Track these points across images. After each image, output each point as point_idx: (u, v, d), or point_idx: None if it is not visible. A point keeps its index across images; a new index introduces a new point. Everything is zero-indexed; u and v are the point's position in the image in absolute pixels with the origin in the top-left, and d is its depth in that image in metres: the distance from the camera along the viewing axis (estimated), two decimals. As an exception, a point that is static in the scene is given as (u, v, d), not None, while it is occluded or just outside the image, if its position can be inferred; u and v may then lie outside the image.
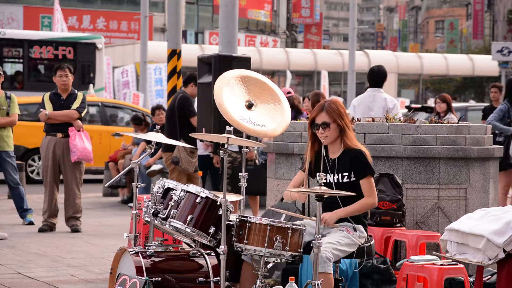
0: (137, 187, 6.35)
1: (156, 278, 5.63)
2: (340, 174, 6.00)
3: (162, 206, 5.90)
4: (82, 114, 10.83)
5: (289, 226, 5.56)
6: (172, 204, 5.88)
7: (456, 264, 6.30)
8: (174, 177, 10.74)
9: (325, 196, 5.31)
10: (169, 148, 10.89)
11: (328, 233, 5.91)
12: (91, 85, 21.58)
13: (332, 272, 5.67)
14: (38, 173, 17.38)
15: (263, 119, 6.22)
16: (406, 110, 20.16)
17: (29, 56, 23.45)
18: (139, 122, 14.68)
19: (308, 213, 7.41)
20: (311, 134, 6.13)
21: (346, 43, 75.25)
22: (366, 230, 6.06)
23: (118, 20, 46.63)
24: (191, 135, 6.45)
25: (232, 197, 6.40)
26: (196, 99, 11.05)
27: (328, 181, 5.94)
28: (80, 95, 10.87)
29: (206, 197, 5.85)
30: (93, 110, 18.09)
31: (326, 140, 6.01)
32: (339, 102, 6.17)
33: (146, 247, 5.88)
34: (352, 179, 5.99)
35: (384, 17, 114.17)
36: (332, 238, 5.83)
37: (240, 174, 6.21)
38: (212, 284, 5.75)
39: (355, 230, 5.96)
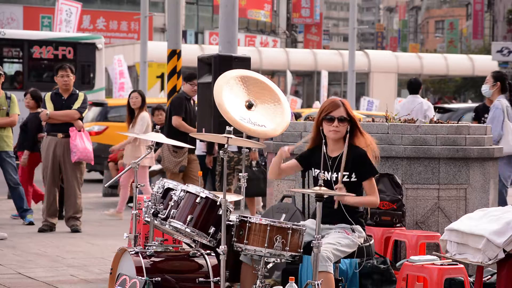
0: (137, 187, 6.35)
1: (156, 278, 5.63)
2: (340, 174, 6.00)
3: (162, 206, 5.91)
4: (83, 114, 10.84)
5: (289, 226, 5.56)
6: (172, 204, 5.88)
7: (456, 264, 6.30)
8: (168, 176, 10.76)
9: (325, 196, 5.32)
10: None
11: (327, 234, 5.90)
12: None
13: (332, 272, 5.67)
14: None
15: (263, 119, 6.22)
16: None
17: (29, 56, 23.45)
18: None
19: (308, 213, 7.42)
20: (316, 132, 6.13)
21: (346, 43, 75.24)
22: (364, 230, 6.07)
23: (118, 20, 46.64)
24: (192, 135, 6.45)
25: (232, 197, 6.40)
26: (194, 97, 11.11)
27: (326, 178, 5.93)
28: (81, 95, 10.88)
29: (206, 197, 5.85)
30: None
31: (336, 135, 6.01)
32: None
33: (146, 247, 5.88)
34: (353, 179, 5.99)
35: (384, 17, 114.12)
36: (332, 239, 5.83)
37: (240, 174, 6.21)
38: (212, 284, 5.75)
39: (353, 231, 5.96)
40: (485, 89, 10.26)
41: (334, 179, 6.00)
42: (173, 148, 10.64)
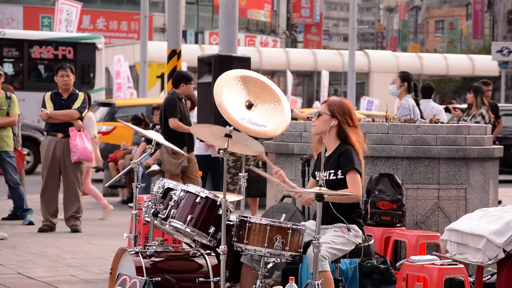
0: (137, 187, 6.35)
1: (156, 278, 5.63)
2: (328, 171, 6.01)
3: (162, 206, 5.91)
4: (83, 114, 10.84)
5: (289, 226, 5.56)
6: (172, 204, 5.88)
7: (456, 264, 6.30)
8: (167, 177, 10.74)
9: (325, 196, 5.32)
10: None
11: (323, 234, 5.90)
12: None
13: (329, 270, 5.67)
14: None
15: (263, 119, 6.21)
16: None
17: (29, 56, 23.46)
18: (139, 122, 14.66)
19: (308, 214, 7.42)
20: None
21: (346, 43, 75.24)
22: (361, 229, 6.05)
23: (118, 20, 46.65)
24: (192, 131, 6.45)
25: (232, 197, 6.40)
26: (188, 97, 11.05)
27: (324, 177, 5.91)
28: (81, 95, 10.87)
29: (206, 197, 5.85)
30: None
31: (313, 129, 6.12)
32: (347, 102, 6.18)
33: (146, 247, 5.88)
34: (339, 176, 5.98)
35: (384, 17, 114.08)
36: (327, 238, 5.83)
37: (240, 174, 6.21)
38: (212, 284, 5.75)
39: (349, 230, 5.95)
40: (393, 89, 10.52)
41: (325, 178, 5.99)
42: (171, 150, 10.61)
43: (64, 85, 10.77)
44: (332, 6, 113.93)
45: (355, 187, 5.93)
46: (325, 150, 6.10)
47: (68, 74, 10.74)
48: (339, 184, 5.92)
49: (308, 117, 8.68)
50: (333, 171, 6.00)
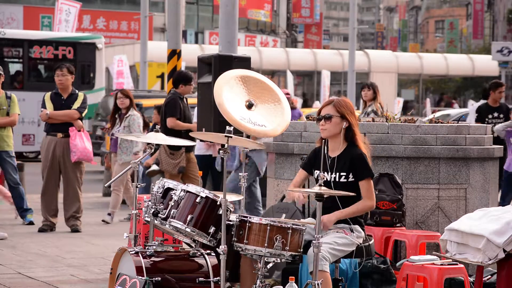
0: (137, 187, 6.35)
1: (156, 278, 5.63)
2: (337, 174, 5.99)
3: (162, 206, 5.91)
4: (83, 114, 10.83)
5: (289, 226, 5.56)
6: (172, 204, 5.88)
7: (456, 264, 6.30)
8: (167, 177, 10.72)
9: (325, 196, 5.32)
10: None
11: (326, 234, 5.90)
12: None
13: (328, 271, 5.67)
14: None
15: (263, 119, 6.22)
16: None
17: (29, 56, 23.45)
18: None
19: (308, 213, 7.41)
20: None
21: (346, 43, 75.23)
22: (363, 230, 6.05)
23: (118, 20, 46.62)
24: (191, 134, 6.46)
25: (232, 197, 6.40)
26: (187, 97, 11.05)
27: (326, 179, 5.92)
28: (81, 95, 10.87)
29: (206, 197, 5.85)
30: None
31: (324, 133, 6.03)
32: (349, 101, 6.18)
33: (146, 247, 5.88)
34: (350, 179, 5.97)
35: (384, 17, 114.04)
36: (329, 239, 5.83)
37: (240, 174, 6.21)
38: (212, 284, 5.75)
39: (352, 231, 5.95)
40: None
41: (332, 179, 5.99)
42: (170, 150, 10.60)
43: (59, 84, 10.76)
44: (332, 6, 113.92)
45: (371, 196, 5.96)
46: (327, 150, 6.09)
47: (63, 74, 10.72)
48: (351, 187, 5.91)
49: (308, 117, 8.67)
50: (344, 173, 5.98)
